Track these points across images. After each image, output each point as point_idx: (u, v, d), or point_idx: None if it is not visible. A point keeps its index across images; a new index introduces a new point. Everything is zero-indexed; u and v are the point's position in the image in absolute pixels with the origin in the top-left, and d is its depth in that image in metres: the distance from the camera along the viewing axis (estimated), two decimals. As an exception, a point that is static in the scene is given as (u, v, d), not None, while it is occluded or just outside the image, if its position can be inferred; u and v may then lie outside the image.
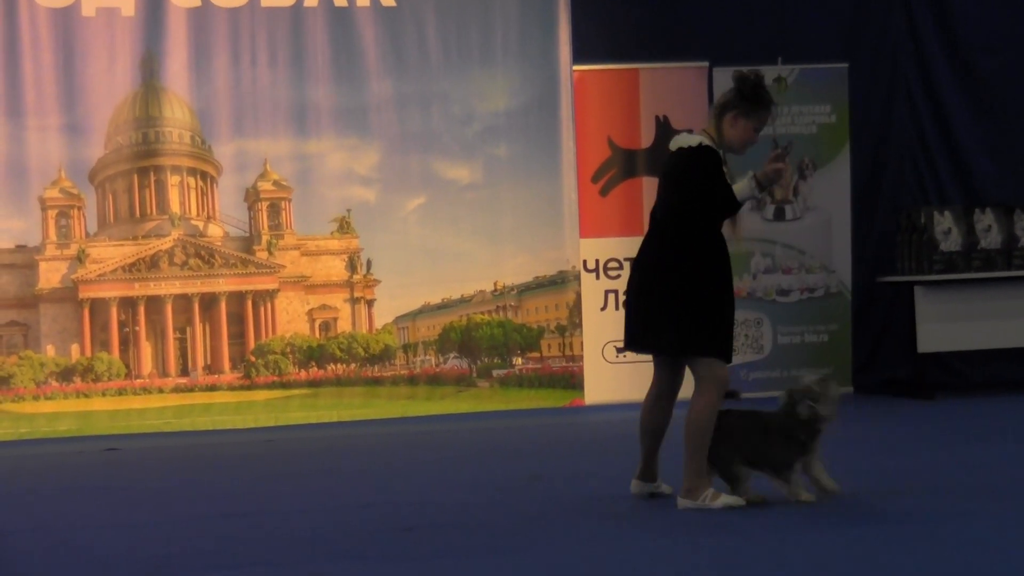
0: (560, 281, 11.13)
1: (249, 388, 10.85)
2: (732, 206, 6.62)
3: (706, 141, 6.63)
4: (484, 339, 11.10)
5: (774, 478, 6.55)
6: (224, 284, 10.89)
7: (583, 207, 11.13)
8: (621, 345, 11.04)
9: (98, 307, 10.68)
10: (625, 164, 11.23)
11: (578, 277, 11.14)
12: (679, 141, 6.70)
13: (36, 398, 10.52)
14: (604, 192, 11.21)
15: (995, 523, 6.02)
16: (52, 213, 10.59)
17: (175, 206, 10.82)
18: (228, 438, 10.16)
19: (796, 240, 11.38)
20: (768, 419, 6.59)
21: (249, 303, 10.93)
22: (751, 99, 6.67)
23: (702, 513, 6.40)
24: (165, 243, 10.79)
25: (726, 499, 6.48)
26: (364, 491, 7.60)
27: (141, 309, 10.75)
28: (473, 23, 11.02)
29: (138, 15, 10.55)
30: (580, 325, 11.12)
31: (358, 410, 10.87)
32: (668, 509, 6.58)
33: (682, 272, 6.55)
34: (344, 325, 11.05)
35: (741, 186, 6.61)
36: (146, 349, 10.77)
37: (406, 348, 11.05)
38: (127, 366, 10.70)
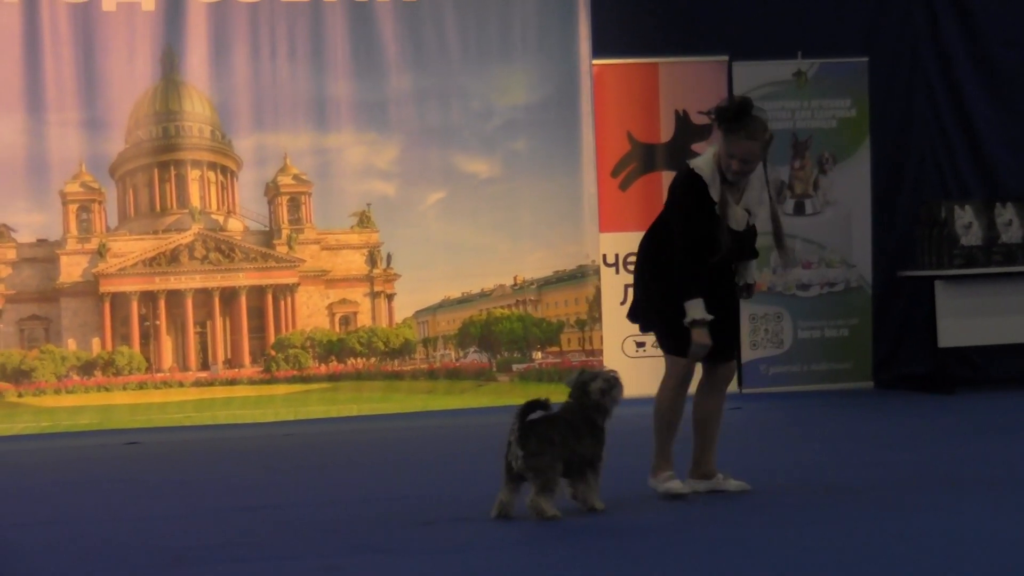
0: (580, 275, 11.13)
1: (269, 382, 10.86)
2: (694, 243, 6.56)
3: (700, 167, 6.57)
4: (504, 333, 11.11)
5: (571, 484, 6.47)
6: (244, 278, 10.91)
7: (603, 201, 11.13)
8: (641, 340, 11.15)
9: (119, 301, 10.71)
10: (645, 158, 11.22)
11: (598, 271, 11.14)
12: (695, 158, 6.77)
13: (57, 392, 10.55)
14: (624, 186, 11.21)
15: (1014, 516, 6.00)
16: (73, 207, 10.61)
17: (195, 200, 10.84)
18: (248, 432, 10.18)
19: (816, 234, 11.35)
20: (567, 415, 6.49)
21: (269, 297, 10.95)
22: (722, 121, 6.59)
23: (720, 506, 6.40)
24: (185, 237, 10.81)
25: (670, 484, 6.67)
26: (383, 485, 7.61)
27: (162, 303, 10.77)
28: (492, 17, 11.01)
29: (158, 10, 10.57)
30: (600, 319, 11.12)
31: (378, 404, 10.88)
32: (687, 503, 6.58)
33: (663, 263, 6.64)
34: (364, 319, 11.06)
35: (694, 308, 6.50)
36: (166, 343, 10.79)
37: (426, 342, 11.06)
38: (148, 360, 10.73)
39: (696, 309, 6.50)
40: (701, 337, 6.50)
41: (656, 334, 6.85)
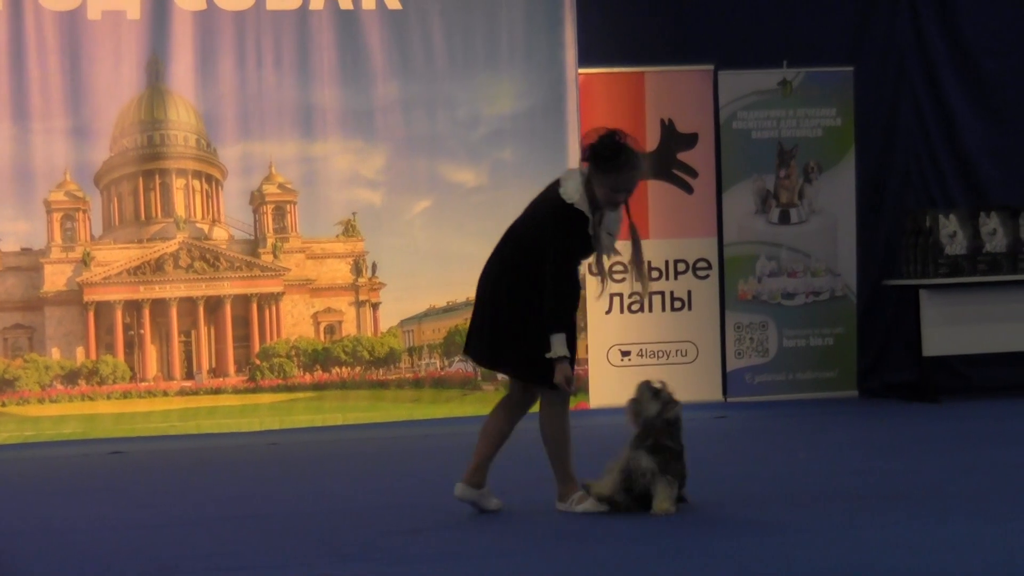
0: (565, 284, 11.11)
1: (254, 391, 10.85)
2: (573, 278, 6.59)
3: (580, 202, 6.50)
4: (489, 342, 11.08)
5: None
6: (229, 287, 10.89)
7: (588, 210, 11.12)
8: (627, 349, 11.17)
9: (103, 310, 10.68)
10: (630, 167, 11.21)
11: (583, 280, 11.11)
12: (563, 180, 6.62)
13: (41, 401, 10.52)
14: (609, 195, 11.19)
15: (999, 525, 6.01)
16: (57, 216, 10.59)
17: (180, 209, 10.82)
18: (233, 441, 10.16)
19: (801, 243, 11.38)
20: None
21: (254, 306, 10.93)
22: (595, 160, 6.54)
23: (716, 513, 6.40)
24: (170, 246, 10.79)
25: (587, 504, 6.59)
26: (369, 494, 7.60)
27: (146, 312, 10.75)
28: (479, 26, 11.02)
29: (144, 18, 10.56)
30: (585, 328, 11.11)
31: (363, 413, 10.87)
32: (678, 512, 6.58)
33: (533, 296, 6.53)
34: (349, 328, 11.05)
35: (556, 344, 6.46)
36: (151, 352, 10.77)
37: (411, 351, 11.05)
38: (132, 369, 10.70)
39: (562, 345, 6.48)
40: (565, 371, 6.48)
41: (527, 367, 6.60)
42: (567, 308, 6.56)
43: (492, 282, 6.69)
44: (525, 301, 6.55)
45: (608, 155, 6.49)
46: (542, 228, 6.59)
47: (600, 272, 6.72)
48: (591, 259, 6.70)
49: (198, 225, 10.88)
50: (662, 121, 11.25)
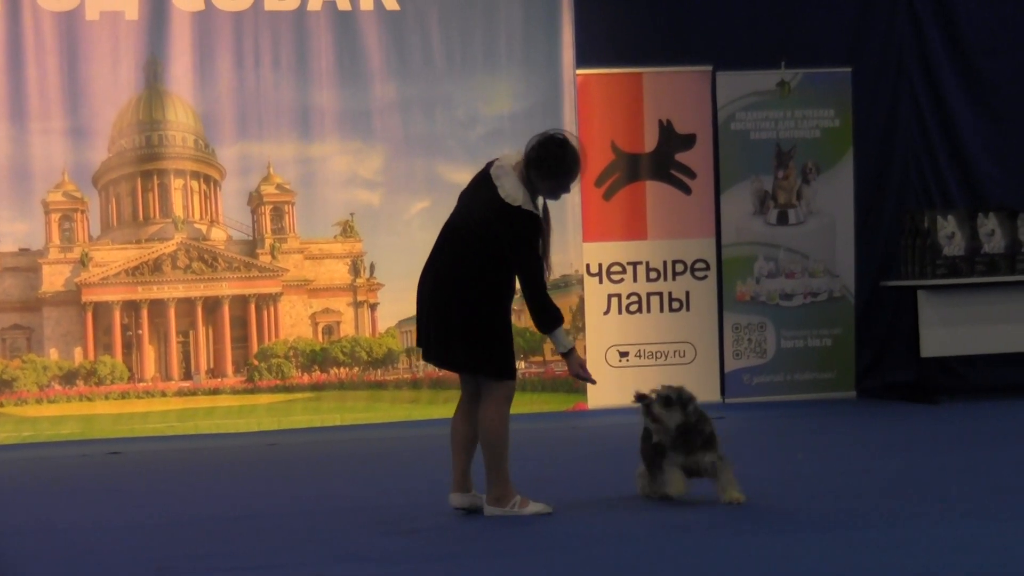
0: (563, 285, 11.12)
1: (252, 392, 10.84)
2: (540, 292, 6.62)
3: (526, 203, 6.53)
4: (487, 343, 11.08)
5: None
6: (227, 288, 10.89)
7: (586, 211, 11.13)
8: (625, 350, 11.16)
9: (101, 310, 10.68)
10: (628, 168, 11.23)
11: (581, 281, 11.14)
12: (498, 176, 6.59)
13: (39, 401, 10.52)
14: (607, 196, 11.21)
15: (996, 525, 6.01)
16: (55, 216, 10.59)
17: (178, 210, 10.82)
18: (231, 442, 10.16)
19: (800, 244, 11.38)
20: None
21: (252, 307, 10.93)
22: (539, 167, 6.57)
23: (714, 514, 6.40)
24: (168, 247, 10.79)
25: (534, 506, 6.59)
26: (367, 494, 7.60)
27: (144, 312, 10.75)
28: (477, 27, 11.02)
29: (142, 19, 10.56)
30: (583, 329, 11.12)
31: (361, 414, 10.87)
32: (668, 510, 6.58)
33: (479, 292, 6.55)
34: (347, 329, 11.04)
35: (561, 338, 6.58)
36: (149, 353, 10.77)
37: (409, 352, 11.04)
38: (130, 369, 10.70)
39: (566, 337, 6.62)
40: (579, 361, 6.64)
41: (472, 363, 6.63)
42: (554, 308, 6.59)
43: (437, 283, 6.68)
44: (473, 299, 6.55)
45: (554, 162, 6.57)
46: (487, 227, 6.56)
47: (547, 256, 6.73)
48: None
49: (196, 226, 10.88)
50: (660, 122, 11.25)
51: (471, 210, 6.67)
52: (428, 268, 6.78)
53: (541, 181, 6.58)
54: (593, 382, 6.88)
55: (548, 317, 6.57)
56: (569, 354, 6.61)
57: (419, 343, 6.85)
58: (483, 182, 6.67)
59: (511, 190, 6.54)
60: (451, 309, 6.59)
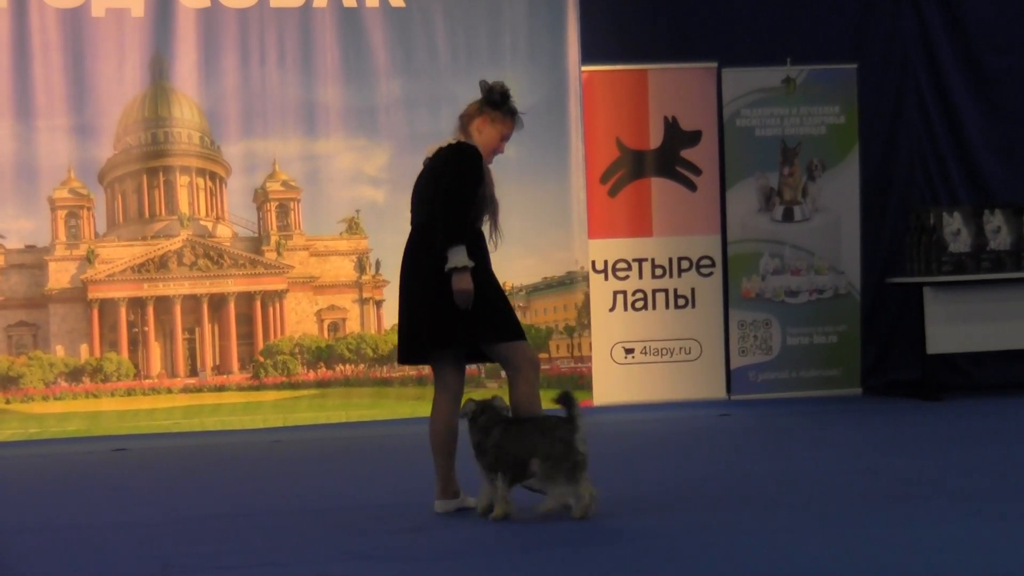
0: (568, 282, 11.13)
1: (258, 388, 10.85)
2: (467, 212, 6.57)
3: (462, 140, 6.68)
4: (493, 340, 11.08)
5: None
6: (233, 285, 10.90)
7: (592, 208, 11.14)
8: (630, 346, 11.17)
9: (107, 307, 10.69)
10: (634, 165, 11.23)
11: (586, 278, 11.14)
12: (433, 148, 6.76)
13: (45, 398, 10.54)
14: (613, 193, 11.22)
15: (1001, 523, 6.01)
16: (61, 213, 10.60)
17: (184, 207, 10.83)
18: (237, 438, 10.17)
19: (805, 241, 11.38)
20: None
21: (258, 304, 10.94)
22: (500, 106, 6.73)
23: (719, 511, 6.40)
24: (174, 243, 10.80)
25: (473, 502, 6.62)
26: (373, 492, 7.60)
27: (150, 309, 10.76)
28: (482, 24, 11.02)
29: (147, 16, 10.57)
30: (588, 326, 11.12)
31: (366, 411, 10.88)
32: (672, 509, 6.58)
33: (437, 277, 6.50)
34: (353, 326, 11.05)
35: (459, 254, 6.45)
36: (155, 349, 10.78)
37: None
38: (136, 366, 10.71)
39: (460, 255, 6.42)
40: (464, 283, 6.42)
41: (488, 332, 6.60)
42: (462, 227, 6.50)
43: (403, 278, 6.68)
44: (434, 282, 6.50)
45: (506, 98, 6.74)
46: (445, 168, 6.61)
47: (497, 228, 6.75)
48: (486, 219, 6.70)
49: (202, 223, 10.88)
50: (665, 119, 11.25)
51: (422, 189, 6.73)
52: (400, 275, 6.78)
53: (493, 122, 6.71)
54: (467, 303, 6.50)
55: (447, 235, 6.44)
56: (459, 271, 6.43)
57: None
58: (421, 173, 6.78)
59: (437, 144, 6.72)
60: (416, 298, 6.56)
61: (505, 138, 6.79)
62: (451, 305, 6.47)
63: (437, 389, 6.74)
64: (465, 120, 6.78)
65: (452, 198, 6.52)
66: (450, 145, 6.68)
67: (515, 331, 6.68)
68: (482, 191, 6.63)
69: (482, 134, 6.74)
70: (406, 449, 9.48)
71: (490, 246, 6.74)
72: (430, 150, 6.78)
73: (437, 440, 6.70)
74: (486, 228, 6.72)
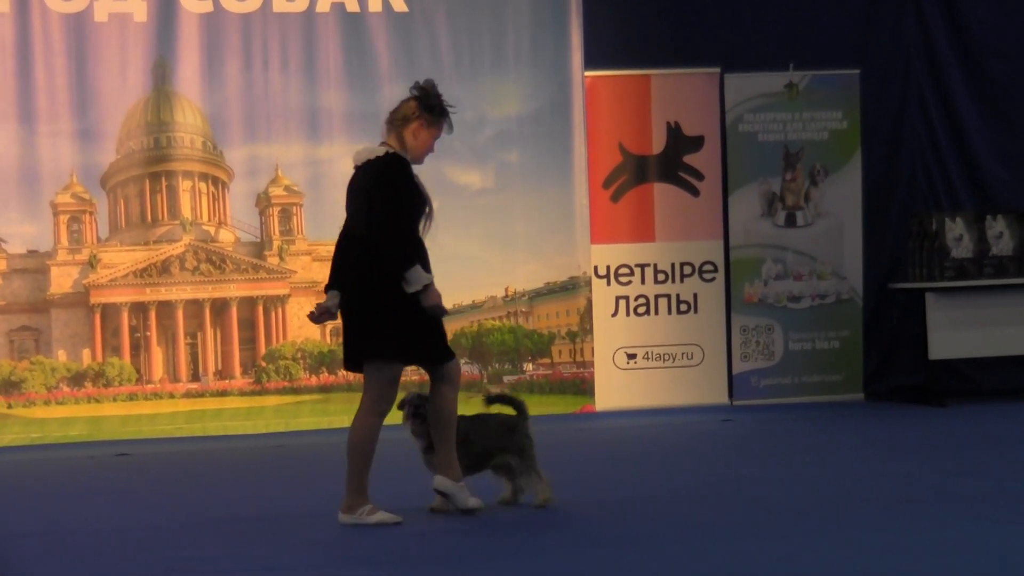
0: (571, 287, 11.13)
1: (260, 393, 10.85)
2: (410, 227, 6.57)
3: (388, 151, 6.64)
4: (495, 345, 11.10)
5: None
6: (235, 289, 10.90)
7: (594, 213, 11.13)
8: (633, 352, 11.16)
9: (109, 312, 10.69)
10: (636, 170, 11.23)
11: (589, 283, 11.14)
12: (364, 155, 6.69)
13: (47, 403, 10.54)
14: (615, 198, 11.21)
15: (1004, 529, 6.01)
16: (64, 218, 10.60)
17: (186, 211, 10.83)
18: (239, 443, 10.17)
19: (807, 246, 11.37)
20: None
21: (260, 308, 10.94)
22: (435, 109, 6.73)
23: (721, 515, 6.40)
24: (176, 248, 10.80)
25: (381, 515, 6.60)
26: (376, 496, 7.59)
27: (152, 314, 10.76)
28: (485, 29, 11.02)
29: (150, 20, 10.57)
30: (591, 331, 11.12)
31: (369, 415, 10.86)
32: (677, 512, 6.58)
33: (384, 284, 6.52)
34: (355, 331, 11.03)
35: (417, 275, 6.47)
36: (157, 354, 10.78)
37: (417, 353, 11.02)
38: (138, 371, 10.71)
39: (421, 274, 6.47)
40: (433, 297, 6.48)
41: (371, 353, 6.62)
42: (410, 248, 6.51)
43: (347, 292, 6.68)
44: (365, 283, 6.53)
45: (441, 101, 6.77)
46: (373, 194, 6.57)
47: (429, 222, 6.73)
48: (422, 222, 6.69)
49: (204, 227, 10.89)
50: (668, 124, 11.25)
51: (354, 201, 6.71)
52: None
53: (429, 126, 6.72)
54: (445, 313, 6.67)
55: (398, 262, 6.46)
56: (424, 289, 6.48)
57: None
58: (353, 178, 6.74)
59: (369, 153, 6.66)
60: (351, 305, 6.62)
61: (436, 138, 6.80)
62: (408, 320, 6.52)
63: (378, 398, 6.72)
64: (398, 123, 6.74)
65: (394, 224, 6.51)
66: (379, 159, 6.62)
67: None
68: (418, 198, 6.63)
69: (417, 139, 6.73)
70: (407, 454, 9.46)
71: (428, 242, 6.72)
72: (359, 156, 6.71)
73: (355, 447, 6.71)
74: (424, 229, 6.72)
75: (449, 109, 6.79)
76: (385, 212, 6.52)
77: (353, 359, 6.74)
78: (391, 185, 6.57)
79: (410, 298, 6.50)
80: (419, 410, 6.80)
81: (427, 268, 6.64)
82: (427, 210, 6.68)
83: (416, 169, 6.79)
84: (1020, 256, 10.97)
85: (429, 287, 6.50)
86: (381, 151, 6.66)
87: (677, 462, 8.60)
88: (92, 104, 10.55)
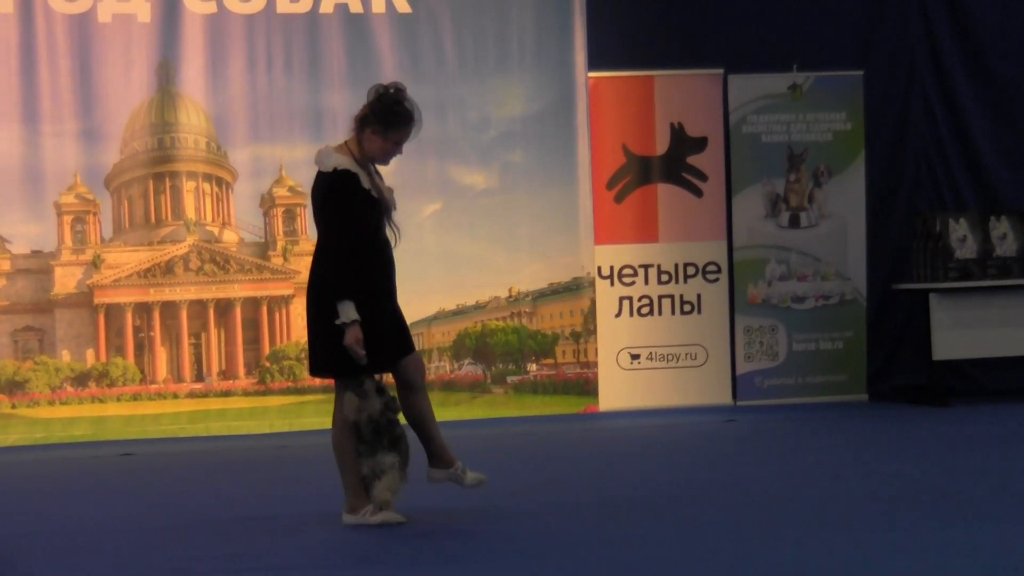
0: (575, 287, 11.13)
1: (264, 394, 10.86)
2: (364, 241, 6.54)
3: (342, 164, 6.53)
4: (499, 345, 11.10)
5: None
6: (239, 290, 10.90)
7: (598, 214, 11.14)
8: (636, 352, 11.17)
9: (113, 312, 10.70)
10: (640, 171, 11.24)
11: (593, 283, 11.14)
12: (321, 159, 6.62)
13: (51, 403, 10.54)
14: (619, 199, 11.22)
15: (1008, 529, 6.00)
16: (68, 218, 10.61)
17: (190, 212, 10.84)
18: (242, 443, 10.17)
19: (811, 247, 11.37)
20: None
21: (264, 309, 10.95)
22: (385, 120, 6.60)
23: (725, 516, 6.40)
24: (180, 249, 10.81)
25: (385, 515, 6.59)
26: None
27: (156, 314, 10.77)
28: (489, 30, 11.03)
29: (154, 21, 10.58)
30: (595, 332, 11.12)
31: (372, 416, 10.86)
32: (680, 511, 6.58)
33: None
34: (359, 331, 11.03)
35: (345, 310, 6.43)
36: (161, 354, 10.79)
37: (421, 354, 11.02)
38: (142, 371, 10.72)
39: (350, 311, 6.42)
40: (356, 334, 6.43)
41: (331, 363, 6.63)
42: (349, 276, 6.46)
43: (308, 296, 6.69)
44: (321, 304, 6.54)
45: (395, 110, 6.59)
46: (319, 204, 6.57)
47: (393, 228, 6.73)
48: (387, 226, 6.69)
49: (208, 228, 10.89)
50: (671, 125, 11.25)
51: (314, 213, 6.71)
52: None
53: (382, 134, 6.58)
54: (362, 360, 6.56)
55: (335, 288, 6.45)
56: (349, 326, 6.43)
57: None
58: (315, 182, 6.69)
59: (326, 160, 6.57)
60: (310, 313, 6.65)
61: (399, 144, 6.67)
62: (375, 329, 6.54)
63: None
64: (356, 125, 6.66)
65: (334, 252, 6.49)
66: (325, 176, 6.54)
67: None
68: (371, 203, 6.56)
69: (372, 145, 6.62)
70: (411, 454, 9.47)
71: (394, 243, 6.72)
72: (317, 160, 6.64)
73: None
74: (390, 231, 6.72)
75: (412, 115, 6.64)
76: (327, 238, 6.53)
77: (314, 369, 6.83)
78: (335, 209, 6.50)
79: (362, 309, 6.46)
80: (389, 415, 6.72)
81: (390, 270, 6.67)
82: (387, 212, 6.63)
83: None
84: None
85: (348, 327, 6.42)
86: (330, 165, 6.53)
87: (681, 462, 8.60)
88: (96, 105, 10.56)
